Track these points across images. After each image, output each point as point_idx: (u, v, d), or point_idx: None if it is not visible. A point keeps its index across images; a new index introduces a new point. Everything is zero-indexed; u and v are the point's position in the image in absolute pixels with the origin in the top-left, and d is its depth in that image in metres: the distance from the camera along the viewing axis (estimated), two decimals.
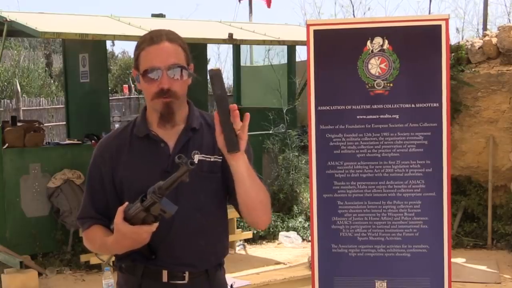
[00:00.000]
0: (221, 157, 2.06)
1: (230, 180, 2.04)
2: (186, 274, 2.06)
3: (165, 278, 2.06)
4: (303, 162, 7.55)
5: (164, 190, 1.82)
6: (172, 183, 1.81)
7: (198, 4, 45.64)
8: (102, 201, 2.11)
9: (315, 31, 3.18)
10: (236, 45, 8.62)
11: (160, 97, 2.00)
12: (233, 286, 2.32)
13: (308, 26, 3.20)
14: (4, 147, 6.18)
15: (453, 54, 6.92)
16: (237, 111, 1.87)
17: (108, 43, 14.67)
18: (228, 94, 14.29)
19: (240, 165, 1.93)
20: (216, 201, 2.10)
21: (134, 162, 2.07)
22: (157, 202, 1.83)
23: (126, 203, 1.93)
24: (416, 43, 3.14)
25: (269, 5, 12.10)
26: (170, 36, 2.04)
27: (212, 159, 2.07)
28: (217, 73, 1.85)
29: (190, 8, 44.73)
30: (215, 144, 2.06)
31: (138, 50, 2.04)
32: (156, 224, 1.90)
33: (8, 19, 6.09)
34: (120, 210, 1.92)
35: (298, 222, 7.47)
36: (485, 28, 9.02)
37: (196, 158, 2.05)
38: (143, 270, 2.07)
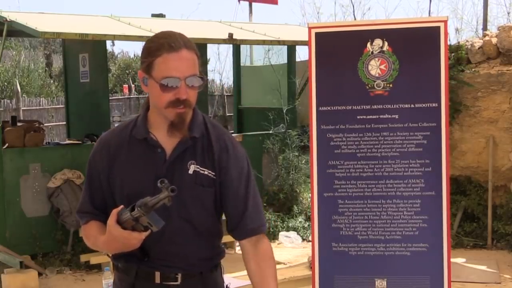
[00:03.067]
0: (214, 174, 2.04)
1: (225, 203, 2.06)
2: (179, 276, 2.06)
3: (157, 280, 2.06)
4: (303, 162, 7.56)
5: (149, 208, 1.83)
6: (155, 203, 1.82)
7: (199, 3, 45.59)
8: (100, 197, 2.10)
9: (316, 33, 3.20)
10: (236, 45, 8.63)
11: (175, 106, 1.97)
12: (229, 287, 2.31)
13: (309, 28, 3.22)
14: (4, 147, 6.19)
15: (453, 54, 6.93)
16: None
17: (108, 43, 14.68)
18: (228, 94, 14.32)
19: None
20: (206, 211, 2.07)
21: (129, 164, 2.06)
22: (143, 216, 1.84)
23: (121, 206, 1.93)
24: (415, 44, 3.16)
25: (276, 2, 11.95)
26: (187, 44, 1.98)
27: (205, 173, 2.04)
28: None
29: (190, 8, 44.71)
30: (210, 158, 2.05)
31: (154, 56, 1.96)
32: (146, 233, 1.90)
33: (8, 19, 6.10)
34: (114, 212, 1.92)
35: (298, 222, 7.47)
36: (485, 28, 9.02)
37: (192, 168, 2.03)
38: (136, 271, 2.07)
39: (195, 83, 1.98)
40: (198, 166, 2.04)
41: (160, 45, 1.97)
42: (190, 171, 2.02)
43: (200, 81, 1.99)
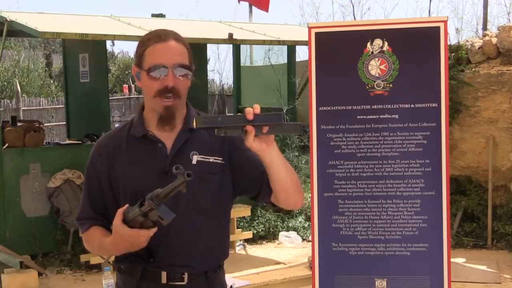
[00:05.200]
0: (221, 159, 2.07)
1: (245, 181, 2.07)
2: (185, 276, 2.06)
3: (164, 280, 2.05)
4: (303, 162, 7.57)
5: (161, 199, 1.81)
6: (169, 192, 1.80)
7: (198, 1, 45.72)
8: (100, 202, 2.10)
9: (316, 33, 3.20)
10: (236, 45, 8.63)
11: (162, 95, 2.00)
12: (233, 287, 2.32)
13: (309, 28, 3.22)
14: (4, 147, 6.19)
15: (453, 54, 6.93)
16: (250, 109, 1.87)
17: (108, 43, 14.67)
18: (228, 94, 14.33)
19: (276, 155, 1.96)
20: (215, 202, 2.09)
21: (131, 162, 2.07)
22: (154, 209, 1.83)
23: (126, 205, 1.92)
24: (415, 44, 3.16)
25: (267, 10, 12.07)
26: (176, 36, 2.04)
27: (211, 160, 2.06)
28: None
29: (190, 7, 44.84)
30: (214, 145, 2.06)
31: (144, 46, 2.03)
32: (154, 229, 1.89)
33: (8, 19, 6.10)
34: (120, 212, 1.92)
35: (298, 222, 7.48)
36: (485, 28, 9.02)
37: (195, 159, 2.05)
38: (141, 272, 2.06)
39: (182, 72, 2.00)
40: (201, 156, 2.05)
41: (149, 37, 2.05)
42: (194, 162, 2.04)
43: (187, 71, 2.01)
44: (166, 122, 2.03)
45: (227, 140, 2.08)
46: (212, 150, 2.07)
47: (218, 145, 2.07)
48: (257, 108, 1.86)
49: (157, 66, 1.99)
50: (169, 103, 2.00)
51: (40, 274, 5.90)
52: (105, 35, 6.46)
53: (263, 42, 7.67)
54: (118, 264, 2.13)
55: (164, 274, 2.05)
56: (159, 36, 2.02)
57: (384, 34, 3.16)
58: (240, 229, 7.10)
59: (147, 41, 2.04)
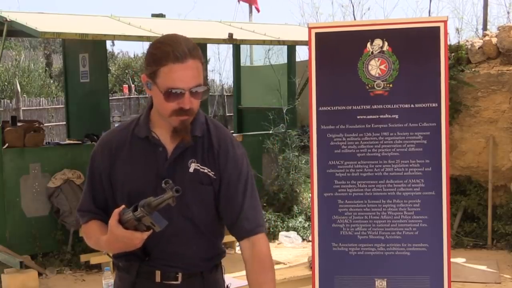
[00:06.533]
0: (213, 173, 2.06)
1: (221, 203, 2.07)
2: (179, 275, 2.07)
3: (158, 278, 2.07)
4: (303, 162, 7.56)
5: (152, 208, 1.84)
6: (159, 204, 1.83)
7: (195, 1, 45.54)
8: (101, 196, 2.12)
9: (316, 33, 3.21)
10: (236, 45, 8.63)
11: (178, 115, 1.99)
12: (229, 287, 2.33)
13: (309, 28, 3.23)
14: (4, 147, 6.18)
15: (453, 54, 6.93)
16: None
17: (108, 43, 14.67)
18: (228, 94, 14.33)
19: None
20: (207, 209, 2.09)
21: (131, 162, 2.07)
22: (146, 216, 1.85)
23: (123, 206, 1.93)
24: (415, 44, 3.16)
25: (257, 9, 12.11)
26: (192, 52, 1.95)
27: (205, 171, 2.06)
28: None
29: (188, 7, 44.76)
30: (211, 158, 2.06)
31: (159, 64, 1.95)
32: (148, 233, 1.91)
33: (8, 19, 6.10)
34: (116, 212, 1.93)
35: (298, 222, 7.48)
36: (485, 28, 9.02)
37: (193, 166, 2.05)
38: (137, 270, 2.08)
39: (198, 93, 1.99)
40: (198, 165, 2.05)
41: (165, 53, 1.94)
42: (191, 170, 2.04)
43: (203, 88, 2.00)
44: (180, 134, 2.03)
45: (217, 162, 2.07)
46: (203, 161, 2.07)
47: (211, 160, 2.07)
48: None
49: (175, 89, 1.95)
50: (185, 118, 2.00)
51: (40, 274, 5.90)
52: (105, 35, 6.45)
53: (263, 42, 7.67)
54: (116, 261, 2.15)
55: (158, 273, 2.07)
56: (176, 57, 1.92)
57: (384, 34, 3.17)
58: None
59: (163, 59, 1.94)
